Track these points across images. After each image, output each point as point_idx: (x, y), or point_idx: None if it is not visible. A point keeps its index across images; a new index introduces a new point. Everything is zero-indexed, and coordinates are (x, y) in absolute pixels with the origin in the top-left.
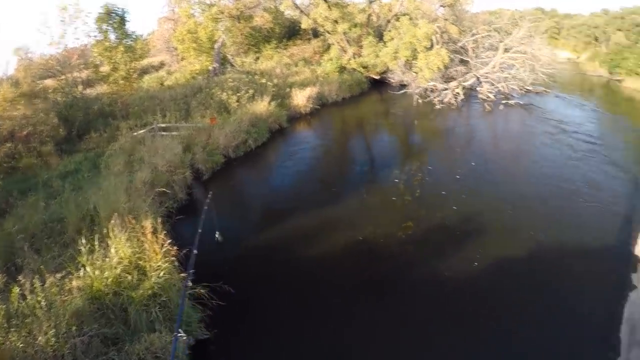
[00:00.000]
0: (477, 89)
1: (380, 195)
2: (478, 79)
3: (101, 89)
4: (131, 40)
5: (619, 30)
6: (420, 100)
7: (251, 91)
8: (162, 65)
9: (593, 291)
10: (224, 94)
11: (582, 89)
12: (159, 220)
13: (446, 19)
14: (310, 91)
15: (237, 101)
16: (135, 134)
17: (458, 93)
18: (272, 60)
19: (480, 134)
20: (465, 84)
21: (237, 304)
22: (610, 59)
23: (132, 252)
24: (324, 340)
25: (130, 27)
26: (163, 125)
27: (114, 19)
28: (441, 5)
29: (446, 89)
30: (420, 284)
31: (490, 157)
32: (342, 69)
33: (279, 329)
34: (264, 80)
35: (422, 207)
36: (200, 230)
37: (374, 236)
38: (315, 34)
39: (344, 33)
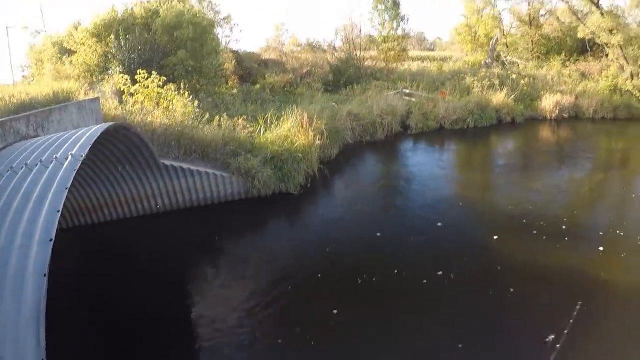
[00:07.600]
0: None
1: None
2: None
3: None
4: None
5: None
6: None
7: (497, 82)
8: (451, 58)
9: None
10: (470, 79)
11: None
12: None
13: None
14: (561, 98)
15: (480, 87)
16: (386, 93)
17: None
18: (553, 70)
19: None
20: None
21: None
22: None
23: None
24: None
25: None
26: (407, 90)
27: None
28: None
29: None
30: None
31: None
32: (615, 89)
33: None
34: (514, 77)
35: None
36: None
37: None
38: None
39: (621, 48)
